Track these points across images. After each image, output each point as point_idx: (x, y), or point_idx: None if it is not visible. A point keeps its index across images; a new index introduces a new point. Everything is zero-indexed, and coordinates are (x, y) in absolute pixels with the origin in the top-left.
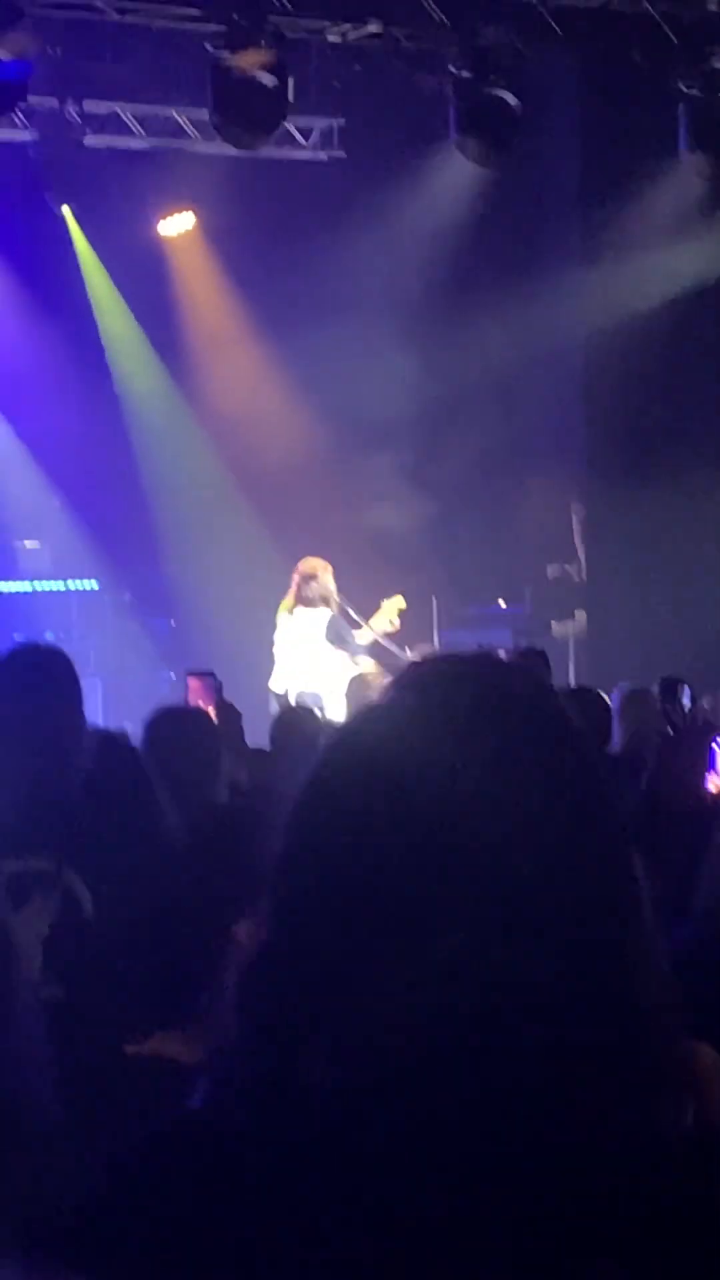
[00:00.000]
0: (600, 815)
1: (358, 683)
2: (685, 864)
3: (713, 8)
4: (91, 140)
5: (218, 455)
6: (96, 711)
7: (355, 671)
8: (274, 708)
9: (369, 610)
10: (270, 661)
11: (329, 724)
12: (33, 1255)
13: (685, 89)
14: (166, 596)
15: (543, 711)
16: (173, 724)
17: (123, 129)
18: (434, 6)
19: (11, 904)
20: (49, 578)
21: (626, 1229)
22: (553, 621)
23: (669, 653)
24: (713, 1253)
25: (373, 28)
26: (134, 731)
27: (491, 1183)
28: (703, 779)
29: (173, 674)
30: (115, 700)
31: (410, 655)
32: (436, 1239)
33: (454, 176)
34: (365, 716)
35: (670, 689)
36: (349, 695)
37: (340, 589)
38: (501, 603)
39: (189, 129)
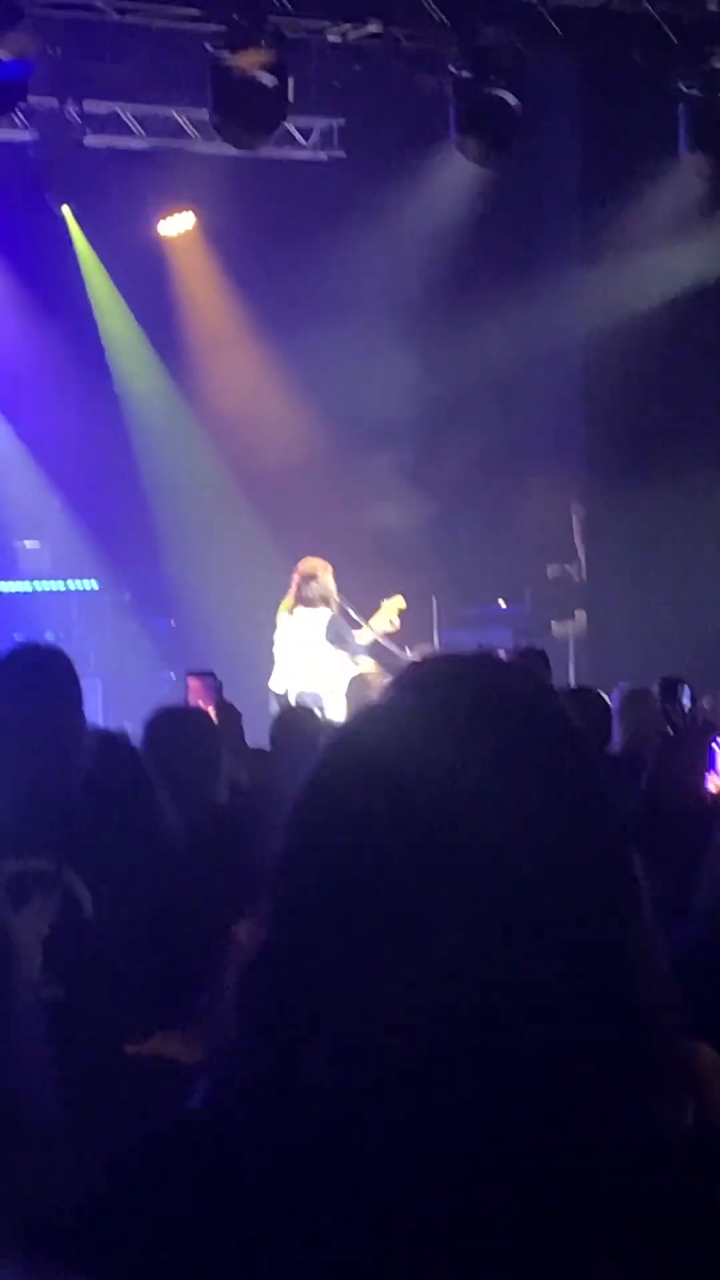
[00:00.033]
0: (600, 815)
1: (358, 682)
2: (685, 864)
3: (713, 8)
4: (91, 140)
5: (218, 455)
6: (96, 712)
7: (355, 671)
8: (274, 707)
9: (369, 610)
10: (270, 661)
11: (329, 724)
12: (33, 1255)
13: (685, 89)
14: (166, 596)
15: (543, 711)
16: (173, 724)
17: (123, 129)
18: (434, 6)
19: (11, 904)
20: (49, 578)
21: (626, 1229)
22: (553, 621)
23: (669, 653)
24: (713, 1253)
25: (373, 28)
26: (134, 731)
27: (491, 1182)
28: (703, 779)
29: (173, 674)
30: (115, 700)
31: (410, 655)
32: (436, 1239)
33: (454, 176)
34: (365, 716)
35: (670, 689)
36: (349, 695)
37: (340, 589)
38: (501, 603)
39: (189, 129)
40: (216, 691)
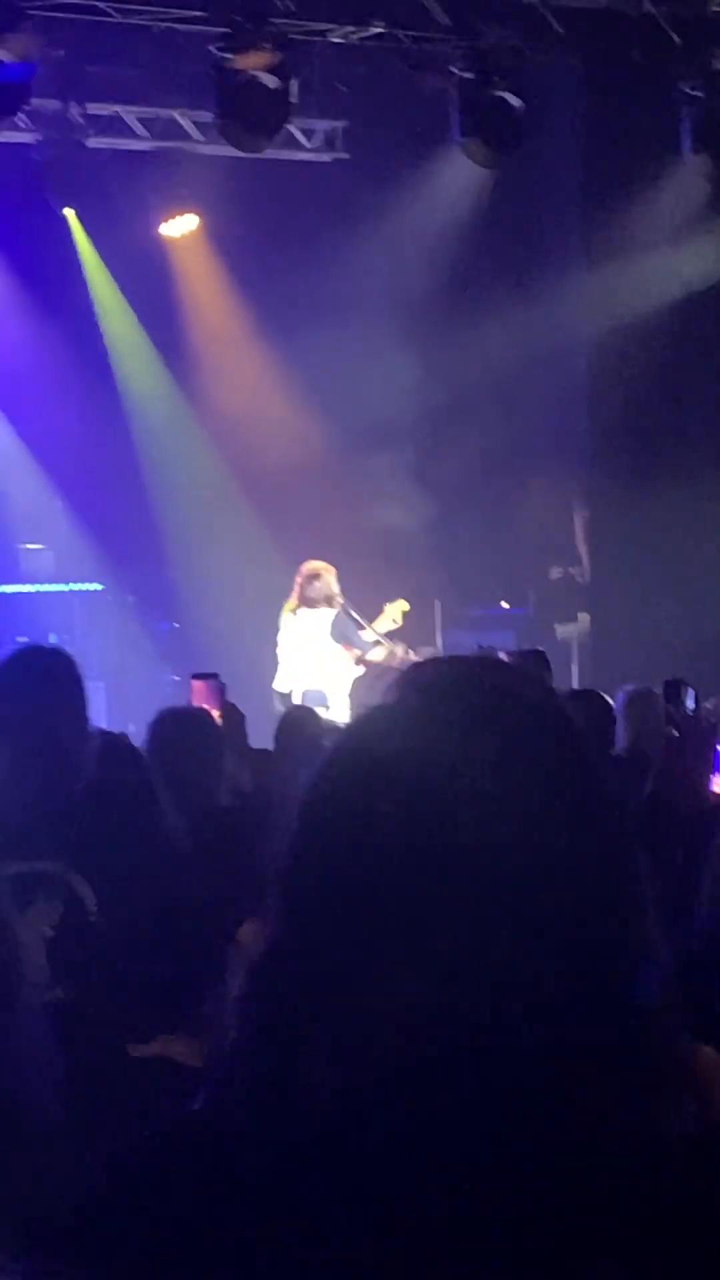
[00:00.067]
0: (601, 816)
1: (375, 671)
2: (689, 865)
3: (715, 8)
4: (94, 142)
5: (220, 456)
6: (100, 713)
7: (359, 672)
8: (278, 708)
9: (372, 614)
10: (274, 663)
11: (332, 726)
12: (34, 1255)
13: (688, 90)
14: (169, 598)
15: (544, 713)
16: (176, 726)
17: (126, 130)
18: (437, 8)
19: (16, 905)
20: (52, 580)
21: (626, 1229)
22: (556, 623)
23: (673, 654)
24: (713, 1253)
25: (375, 29)
26: (137, 733)
27: (492, 1182)
28: (707, 781)
29: (175, 676)
30: (118, 702)
31: (413, 657)
32: (437, 1239)
33: (456, 178)
34: (368, 718)
35: (674, 690)
36: (353, 695)
37: (343, 591)
38: (504, 604)
39: (192, 131)
40: (220, 693)
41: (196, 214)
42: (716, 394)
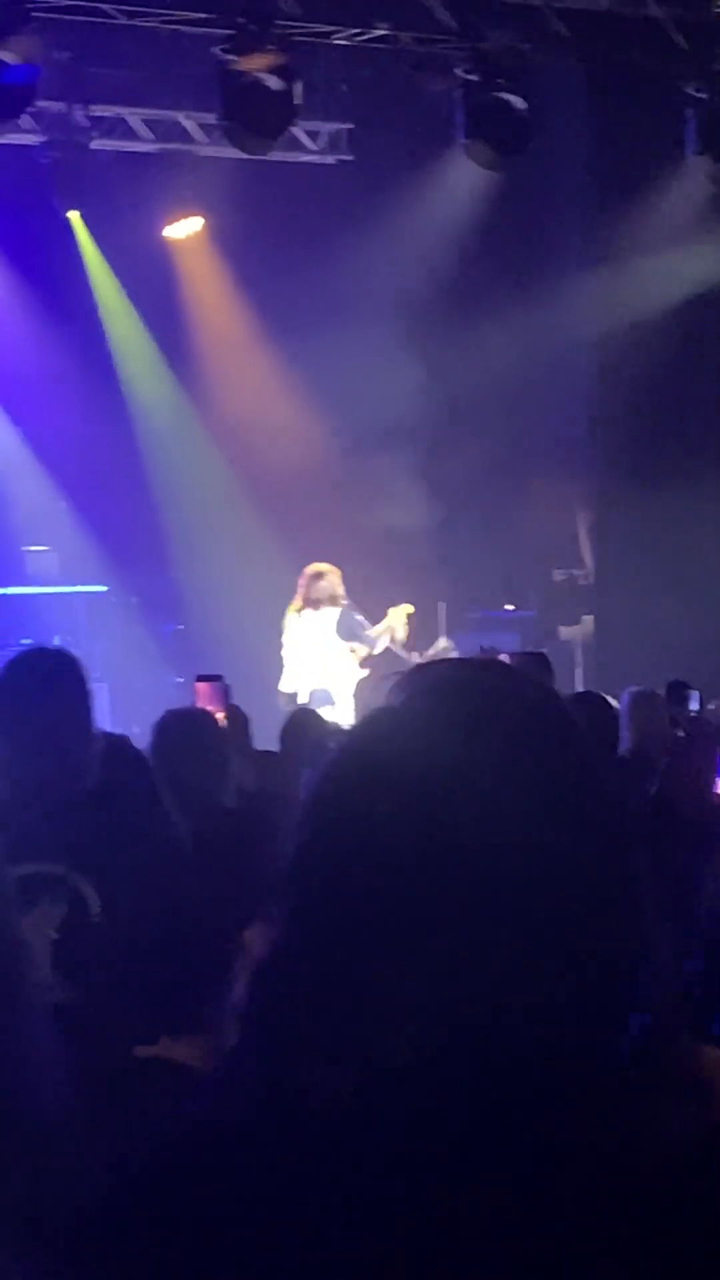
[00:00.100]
0: (603, 817)
1: (380, 672)
2: (692, 866)
3: (719, 10)
4: (99, 144)
5: (224, 458)
6: (104, 715)
7: (364, 673)
8: (284, 708)
9: (376, 617)
10: (279, 665)
11: (336, 728)
12: (36, 1256)
13: (692, 92)
14: (174, 600)
15: (546, 715)
16: (181, 727)
17: (130, 133)
18: (441, 10)
19: (20, 907)
20: (56, 582)
21: (627, 1229)
22: (560, 626)
23: (677, 657)
24: (713, 1252)
25: (379, 31)
26: (141, 735)
27: (494, 1183)
28: (711, 783)
29: (180, 678)
30: (122, 704)
31: (417, 659)
32: (440, 1239)
33: (461, 180)
34: (372, 720)
35: (678, 693)
36: (358, 695)
37: (348, 593)
38: (509, 607)
39: (196, 133)
40: (224, 695)
41: (201, 216)
42: None
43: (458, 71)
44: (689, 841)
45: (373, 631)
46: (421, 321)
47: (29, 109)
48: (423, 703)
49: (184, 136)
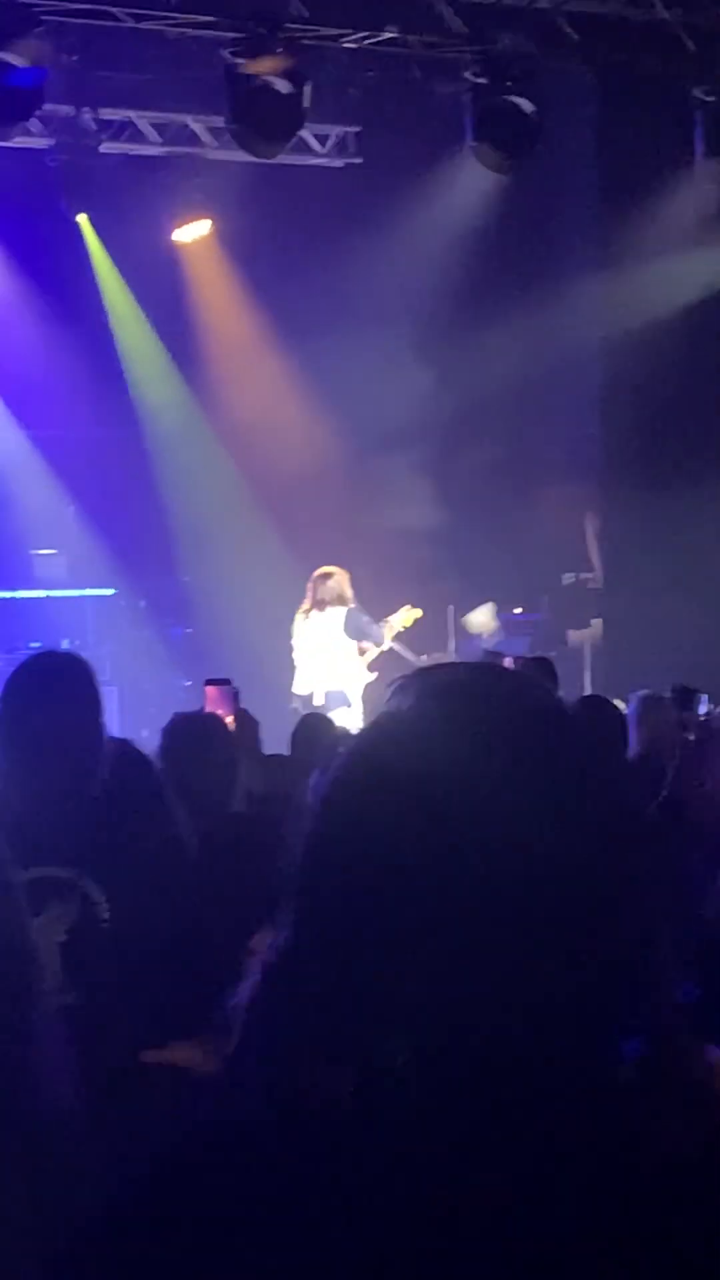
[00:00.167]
0: (605, 821)
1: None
2: (702, 870)
3: None
4: (107, 147)
5: (232, 461)
6: (113, 719)
7: (372, 676)
8: (297, 710)
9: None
10: (289, 668)
11: (345, 733)
12: (49, 1260)
13: (701, 95)
14: (182, 604)
15: (550, 719)
16: (190, 731)
17: (138, 136)
18: (450, 13)
19: (30, 911)
20: (65, 586)
21: (626, 1230)
22: (569, 630)
23: (686, 661)
24: (713, 1254)
25: (388, 34)
26: (150, 738)
27: (494, 1184)
28: None
29: (188, 681)
30: (131, 708)
31: (424, 661)
32: (439, 1240)
33: (470, 183)
34: (379, 724)
35: (686, 696)
36: (366, 699)
37: (356, 597)
38: (518, 611)
39: (205, 136)
40: (233, 699)
41: (209, 219)
42: None
43: (466, 75)
44: (699, 845)
45: (379, 627)
46: (429, 324)
47: (37, 112)
48: (427, 707)
49: (192, 140)
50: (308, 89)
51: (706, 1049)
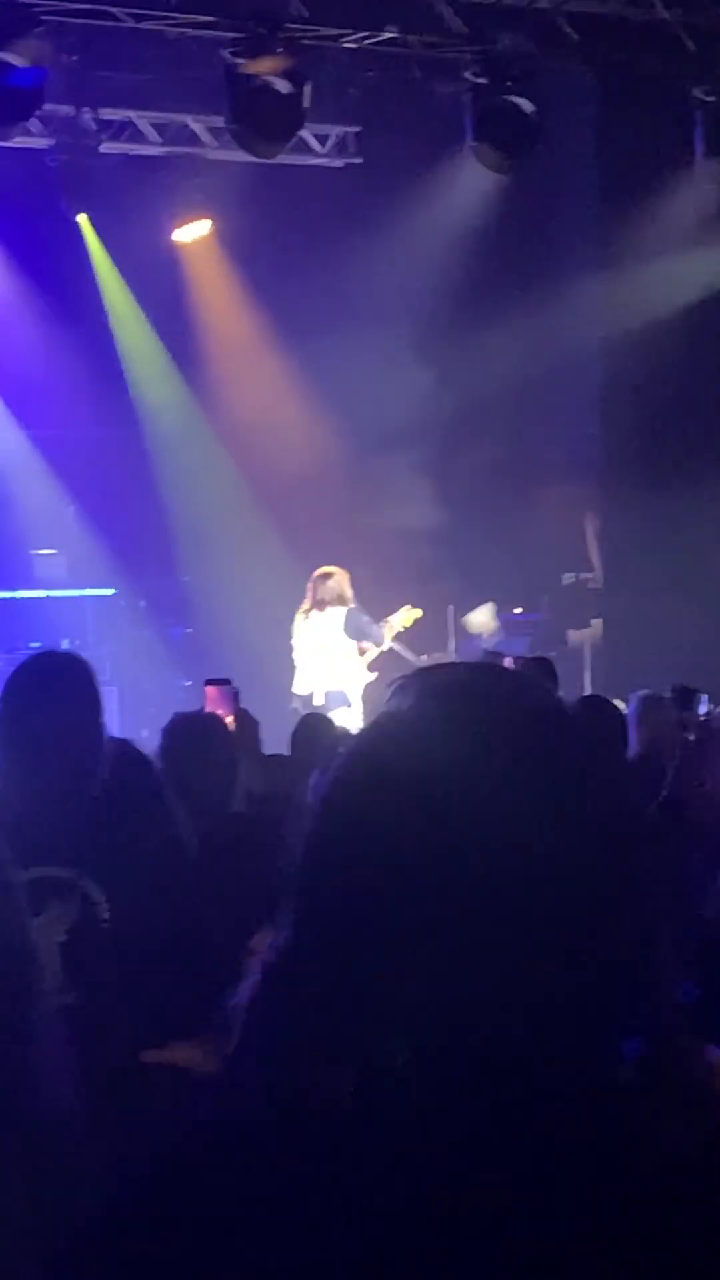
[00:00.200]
0: (604, 821)
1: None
2: (703, 870)
3: None
4: (107, 147)
5: (233, 461)
6: (113, 719)
7: (372, 676)
8: (298, 710)
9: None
10: (289, 668)
11: (346, 733)
12: (49, 1260)
13: (701, 95)
14: (182, 604)
15: (550, 718)
16: (190, 731)
17: (138, 136)
18: (450, 14)
19: (30, 911)
20: (65, 586)
21: (627, 1230)
22: (569, 629)
23: (686, 661)
24: (713, 1254)
25: (388, 34)
26: (150, 738)
27: (494, 1184)
28: None
29: (188, 681)
30: (132, 708)
31: (424, 662)
32: (439, 1240)
33: (470, 183)
34: (378, 724)
35: (686, 696)
36: (366, 699)
37: (357, 597)
38: (518, 611)
39: (204, 136)
40: (233, 699)
41: (209, 219)
42: None
43: (466, 75)
44: (699, 845)
45: (379, 626)
46: (429, 324)
47: (37, 112)
48: (427, 707)
49: (192, 140)
50: (308, 89)
51: (706, 1049)
